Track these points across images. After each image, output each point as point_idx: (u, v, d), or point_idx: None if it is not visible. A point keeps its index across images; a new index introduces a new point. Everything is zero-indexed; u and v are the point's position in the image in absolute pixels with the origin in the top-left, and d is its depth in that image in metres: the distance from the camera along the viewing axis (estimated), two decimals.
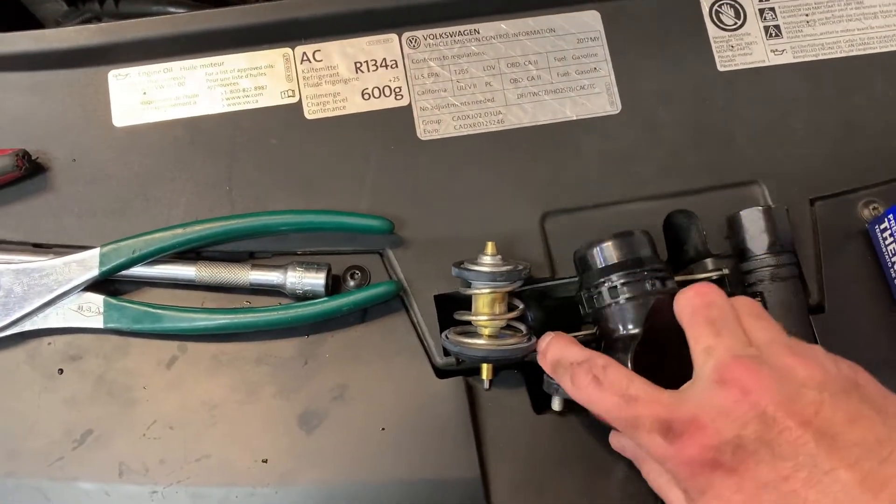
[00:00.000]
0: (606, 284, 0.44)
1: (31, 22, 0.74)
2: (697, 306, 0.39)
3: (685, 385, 0.37)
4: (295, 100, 0.51)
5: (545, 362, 0.43)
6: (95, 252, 0.46)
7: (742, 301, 0.40)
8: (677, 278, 0.45)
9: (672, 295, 0.41)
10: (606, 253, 0.45)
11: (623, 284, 0.43)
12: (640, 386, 0.38)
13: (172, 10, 0.70)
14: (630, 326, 0.43)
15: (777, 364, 0.36)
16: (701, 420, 0.35)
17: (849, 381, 0.35)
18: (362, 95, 0.51)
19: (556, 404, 0.45)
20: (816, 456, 0.32)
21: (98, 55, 0.51)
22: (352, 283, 0.48)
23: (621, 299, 0.43)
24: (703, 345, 0.37)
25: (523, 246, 0.49)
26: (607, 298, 0.43)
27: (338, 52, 0.52)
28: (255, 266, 0.47)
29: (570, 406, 0.44)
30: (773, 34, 0.53)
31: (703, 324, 0.38)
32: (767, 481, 0.33)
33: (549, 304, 0.49)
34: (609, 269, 0.44)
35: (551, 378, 0.44)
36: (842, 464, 0.32)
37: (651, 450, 0.37)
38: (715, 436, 0.34)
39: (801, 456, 0.33)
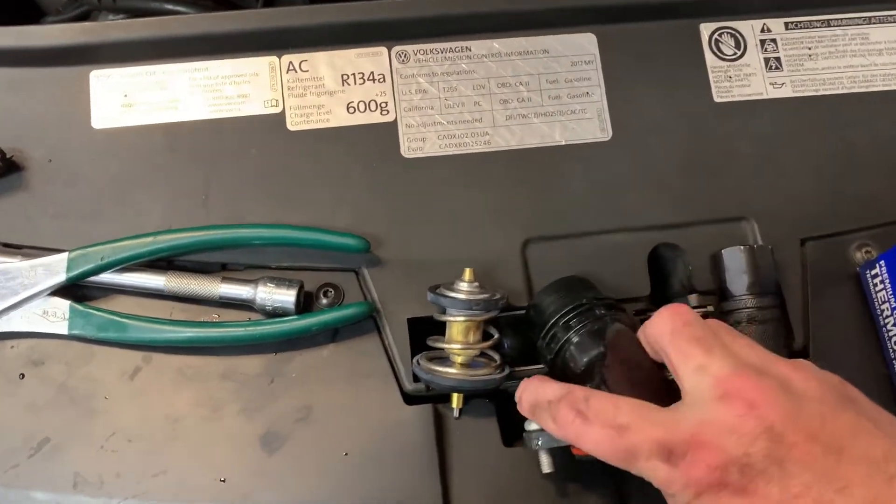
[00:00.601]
0: (559, 324, 0.42)
1: (33, 9, 0.73)
2: (677, 326, 0.37)
3: (677, 404, 0.36)
4: (278, 110, 0.50)
5: (523, 409, 0.41)
6: (63, 257, 0.45)
7: (715, 322, 0.39)
8: None
9: (628, 318, 0.40)
10: (550, 299, 0.44)
11: (574, 317, 0.42)
12: (629, 410, 0.36)
13: (170, 6, 0.69)
14: (592, 352, 0.41)
15: (776, 376, 0.34)
16: (703, 438, 0.33)
17: (842, 393, 0.34)
18: (347, 109, 0.50)
19: (546, 465, 0.42)
20: (826, 472, 0.31)
21: (81, 54, 0.50)
22: (324, 300, 0.47)
23: (573, 335, 0.42)
24: (695, 363, 0.35)
25: (503, 272, 0.47)
26: (562, 338, 0.42)
27: (325, 63, 0.51)
28: (225, 279, 0.46)
29: (562, 462, 0.42)
30: (774, 66, 0.52)
31: (689, 342, 0.36)
32: (778, 501, 0.32)
33: (527, 332, 0.48)
34: (556, 312, 0.43)
35: (531, 431, 0.42)
36: (853, 481, 0.31)
37: (652, 476, 0.35)
38: (720, 455, 0.33)
39: (811, 473, 0.31)
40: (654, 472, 0.35)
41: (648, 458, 0.34)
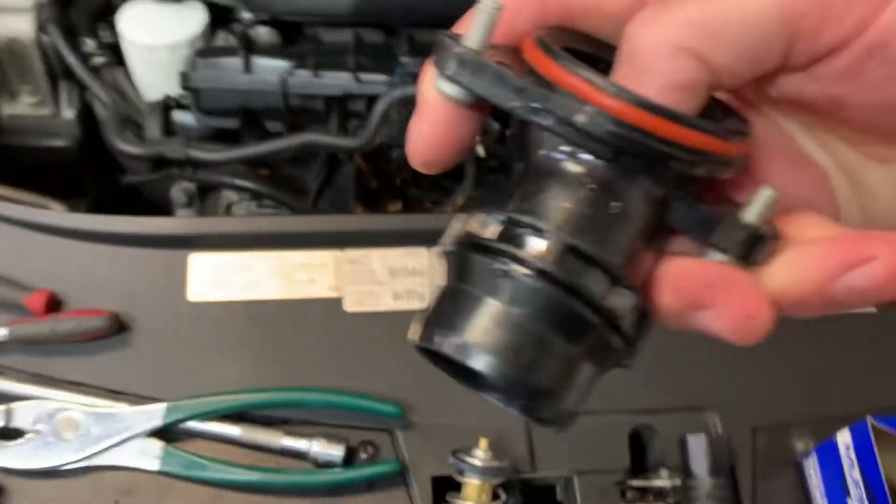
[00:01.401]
0: None
1: (116, 167, 0.87)
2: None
3: None
4: (339, 294, 0.62)
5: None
6: (162, 407, 0.57)
7: None
8: (635, 482, 0.55)
9: None
10: None
11: None
12: None
13: (239, 182, 0.83)
14: None
15: None
16: None
17: None
18: (394, 296, 0.63)
19: None
20: None
21: (182, 241, 0.63)
22: (364, 455, 0.58)
23: None
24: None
25: (511, 439, 0.59)
26: None
27: (378, 259, 0.64)
28: (287, 433, 0.57)
29: None
30: None
31: None
32: None
33: (530, 491, 0.58)
34: None
35: None
36: None
37: None
38: None
39: None
40: None
41: None
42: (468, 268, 0.25)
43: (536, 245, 0.24)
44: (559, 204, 0.25)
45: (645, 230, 0.25)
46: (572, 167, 0.25)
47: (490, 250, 0.25)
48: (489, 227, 0.25)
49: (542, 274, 0.24)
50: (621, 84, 0.23)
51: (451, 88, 0.25)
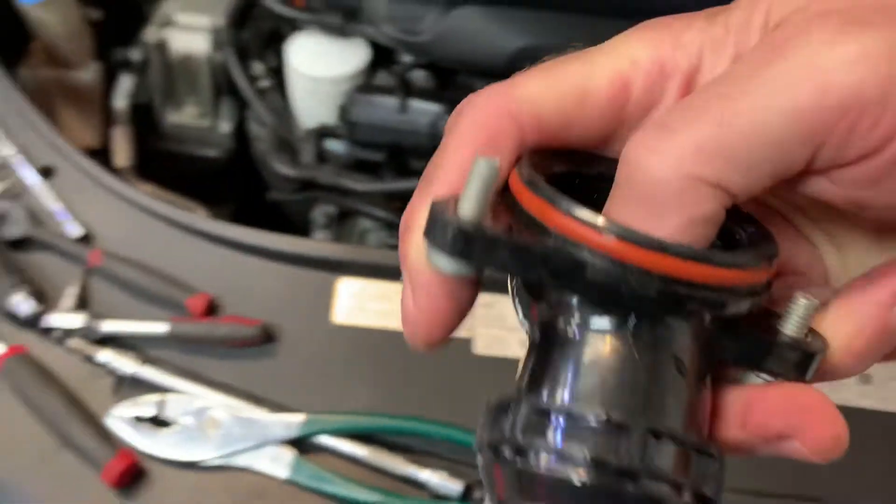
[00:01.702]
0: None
1: (262, 184, 0.93)
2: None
3: None
4: (470, 335, 0.65)
5: None
6: (301, 418, 0.60)
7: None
8: None
9: None
10: None
11: None
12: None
13: (377, 212, 0.87)
14: None
15: None
16: None
17: None
18: (521, 344, 0.65)
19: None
20: None
21: (331, 265, 0.67)
22: (479, 494, 0.60)
23: None
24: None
25: None
26: None
27: (509, 305, 0.66)
28: (411, 461, 0.60)
29: None
30: (864, 380, 0.65)
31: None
32: None
33: None
34: None
35: None
36: None
37: None
38: None
39: None
40: None
41: None
42: (523, 482, 0.23)
43: (596, 439, 0.22)
44: (608, 381, 0.22)
45: (698, 376, 0.23)
46: (614, 334, 0.23)
47: (543, 455, 0.22)
48: (536, 427, 0.22)
49: (621, 472, 0.21)
50: (640, 227, 0.21)
51: (453, 266, 0.22)
